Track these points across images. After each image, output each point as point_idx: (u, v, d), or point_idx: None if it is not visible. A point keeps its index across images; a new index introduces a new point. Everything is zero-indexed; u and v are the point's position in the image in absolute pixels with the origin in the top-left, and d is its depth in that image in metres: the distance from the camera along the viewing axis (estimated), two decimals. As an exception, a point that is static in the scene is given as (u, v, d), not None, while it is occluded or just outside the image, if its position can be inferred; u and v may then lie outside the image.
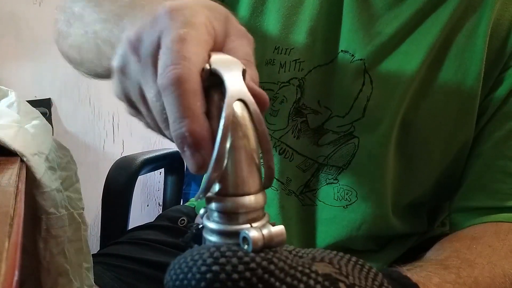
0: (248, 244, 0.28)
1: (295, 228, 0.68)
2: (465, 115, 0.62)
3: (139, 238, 0.79)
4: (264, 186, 0.31)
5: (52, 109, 1.54)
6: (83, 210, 0.60)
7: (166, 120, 0.32)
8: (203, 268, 0.27)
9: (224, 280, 0.27)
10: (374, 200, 0.65)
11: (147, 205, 1.71)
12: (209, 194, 0.30)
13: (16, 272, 0.27)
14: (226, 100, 0.29)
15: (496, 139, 0.61)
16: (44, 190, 0.50)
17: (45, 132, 0.58)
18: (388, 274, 0.40)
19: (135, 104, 0.36)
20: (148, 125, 0.37)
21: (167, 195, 1.12)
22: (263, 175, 0.31)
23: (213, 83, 0.31)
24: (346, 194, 0.65)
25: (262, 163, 0.31)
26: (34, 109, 0.63)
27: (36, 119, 0.59)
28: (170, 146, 1.10)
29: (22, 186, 0.41)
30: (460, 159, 0.64)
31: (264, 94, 0.32)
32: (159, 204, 1.71)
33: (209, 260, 0.28)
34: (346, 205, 0.66)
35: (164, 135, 0.34)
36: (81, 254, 0.58)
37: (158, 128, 0.34)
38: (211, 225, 0.30)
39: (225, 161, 0.29)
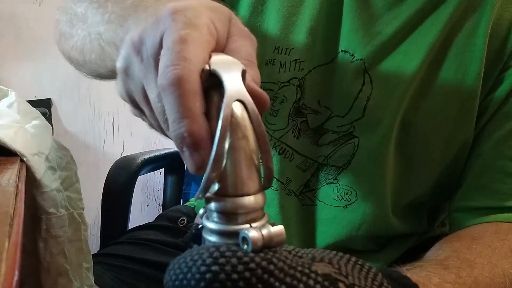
0: (247, 244, 0.28)
1: (295, 228, 0.68)
2: (465, 115, 0.62)
3: (139, 238, 0.79)
4: (263, 187, 0.31)
5: (52, 109, 1.54)
6: (83, 210, 0.60)
7: (167, 120, 0.32)
8: (203, 268, 0.27)
9: (224, 280, 0.27)
10: (374, 200, 0.65)
11: (147, 205, 1.71)
12: (209, 194, 0.30)
13: (16, 272, 0.27)
14: (225, 100, 0.29)
15: (496, 139, 0.61)
16: (44, 190, 0.50)
17: (45, 132, 0.58)
18: (388, 274, 0.40)
19: (139, 104, 0.36)
20: (151, 126, 0.37)
21: (167, 195, 1.12)
22: (262, 176, 0.31)
23: (213, 84, 0.31)
24: (346, 194, 0.65)
25: (261, 164, 0.31)
26: (34, 109, 0.63)
27: (36, 119, 0.59)
28: (170, 146, 1.10)
29: (22, 186, 0.41)
30: (460, 159, 0.64)
31: (264, 95, 0.32)
32: (159, 204, 1.71)
33: (208, 260, 0.28)
34: (346, 205, 0.66)
35: (166, 135, 0.34)
36: (81, 254, 0.58)
37: (160, 128, 0.35)
38: (211, 225, 0.30)
39: (224, 161, 0.29)
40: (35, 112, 0.62)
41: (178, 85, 0.30)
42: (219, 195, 0.30)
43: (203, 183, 0.30)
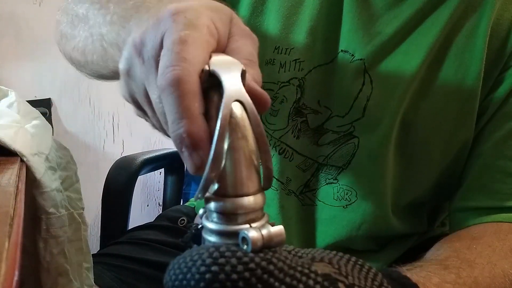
0: (247, 244, 0.28)
1: (295, 228, 0.68)
2: (465, 115, 0.62)
3: (139, 238, 0.79)
4: (263, 187, 0.31)
5: (52, 109, 1.54)
6: (83, 210, 0.60)
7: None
8: (202, 269, 0.27)
9: (223, 280, 0.27)
10: (374, 200, 0.65)
11: (147, 205, 1.71)
12: (208, 194, 0.30)
13: (16, 272, 0.27)
14: (224, 101, 0.29)
15: (496, 139, 0.61)
16: (44, 190, 0.50)
17: (45, 132, 0.58)
18: (388, 274, 0.40)
19: (141, 106, 0.36)
20: (154, 126, 0.37)
21: (167, 195, 1.12)
22: (262, 176, 0.31)
23: (212, 84, 0.31)
24: (346, 194, 0.65)
25: (260, 164, 0.31)
26: (34, 109, 0.63)
27: (36, 119, 0.59)
28: (170, 146, 1.10)
29: (22, 186, 0.41)
30: (460, 159, 0.64)
31: (265, 95, 0.32)
32: (159, 204, 1.71)
33: (208, 261, 0.28)
34: (346, 205, 0.66)
35: (169, 136, 0.35)
36: (81, 254, 0.58)
37: (163, 129, 0.35)
38: (210, 225, 0.30)
39: (223, 161, 0.29)
40: (35, 112, 0.62)
41: (176, 85, 0.30)
42: (219, 195, 0.30)
43: (202, 183, 0.30)
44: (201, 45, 0.32)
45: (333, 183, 0.66)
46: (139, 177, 1.00)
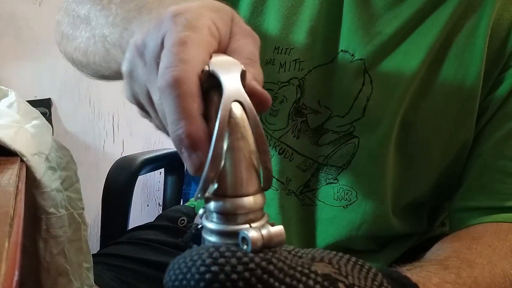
0: (247, 245, 0.28)
1: (295, 228, 0.68)
2: (465, 115, 0.62)
3: (139, 238, 0.79)
4: (263, 188, 0.31)
5: (52, 109, 1.54)
6: (83, 210, 0.60)
7: None
8: (202, 269, 0.27)
9: (223, 280, 0.27)
10: (374, 200, 0.65)
11: (147, 205, 1.71)
12: (208, 194, 0.31)
13: (16, 272, 0.27)
14: (223, 101, 0.29)
15: (496, 139, 0.61)
16: (44, 190, 0.50)
17: (45, 132, 0.58)
18: (388, 274, 0.40)
19: (145, 107, 0.36)
20: (158, 127, 0.37)
21: (167, 195, 1.12)
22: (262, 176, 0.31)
23: (213, 85, 0.31)
24: (346, 194, 0.65)
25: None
26: (34, 109, 0.63)
27: (36, 119, 0.59)
28: (170, 146, 1.10)
29: (22, 186, 0.41)
30: (460, 159, 0.64)
31: (266, 94, 0.32)
32: (159, 204, 1.71)
33: (208, 261, 0.28)
34: (346, 205, 0.66)
35: None
36: (81, 254, 0.58)
37: (166, 130, 0.35)
38: (210, 225, 0.30)
39: (222, 162, 0.29)
40: (35, 112, 0.62)
41: (175, 86, 0.30)
42: (219, 196, 0.30)
43: (201, 183, 0.30)
44: (201, 46, 0.32)
45: (333, 183, 0.66)
46: (139, 177, 1.00)
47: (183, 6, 0.34)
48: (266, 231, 0.29)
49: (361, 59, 0.61)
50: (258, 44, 0.36)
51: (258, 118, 0.30)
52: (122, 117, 1.62)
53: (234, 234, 0.29)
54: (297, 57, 0.62)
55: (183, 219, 0.82)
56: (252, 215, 0.30)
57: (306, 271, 0.29)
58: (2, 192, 0.38)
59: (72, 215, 0.57)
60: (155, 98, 0.33)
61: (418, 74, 0.60)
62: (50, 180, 0.51)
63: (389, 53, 0.61)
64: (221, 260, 0.27)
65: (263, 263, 0.28)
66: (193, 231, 0.33)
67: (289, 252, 0.31)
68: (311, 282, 0.28)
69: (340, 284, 0.30)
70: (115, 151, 1.63)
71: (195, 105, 0.30)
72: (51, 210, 0.51)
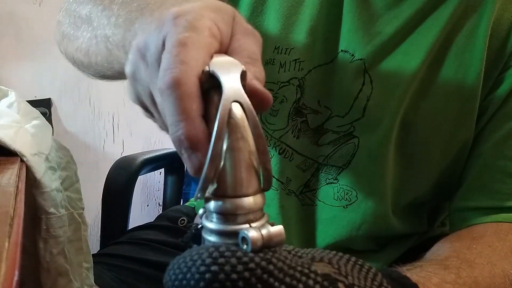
0: (247, 244, 0.28)
1: (295, 228, 0.68)
2: (465, 115, 0.62)
3: (139, 238, 0.79)
4: (263, 188, 0.31)
5: (52, 109, 1.54)
6: (83, 210, 0.60)
7: None
8: (202, 268, 0.27)
9: (223, 280, 0.27)
10: (374, 200, 0.65)
11: (147, 205, 1.71)
12: (208, 194, 0.31)
13: (16, 272, 0.27)
14: (222, 101, 0.29)
15: (496, 139, 0.61)
16: (44, 190, 0.50)
17: (45, 132, 0.58)
18: (388, 274, 0.40)
19: (148, 108, 0.37)
20: (161, 128, 0.37)
21: (167, 195, 1.12)
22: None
23: (213, 85, 0.31)
24: (346, 194, 0.65)
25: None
26: (34, 109, 0.63)
27: (36, 119, 0.59)
28: (170, 146, 1.10)
29: (22, 186, 0.41)
30: (460, 159, 0.64)
31: (267, 93, 0.32)
32: (159, 204, 1.71)
33: (208, 260, 0.28)
34: (346, 205, 0.66)
35: None
36: (81, 254, 0.58)
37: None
38: (210, 225, 0.30)
39: (222, 162, 0.29)
40: (35, 112, 0.62)
41: (174, 87, 0.30)
42: (218, 196, 0.30)
43: (201, 183, 0.30)
44: (201, 47, 0.32)
45: (333, 183, 0.66)
46: (139, 177, 1.00)
47: (184, 8, 0.34)
48: (266, 231, 0.29)
49: (361, 59, 0.61)
50: (260, 43, 0.36)
51: (257, 118, 0.30)
52: (122, 117, 1.62)
53: (234, 234, 0.29)
54: (297, 57, 0.62)
55: (183, 219, 0.82)
56: (252, 215, 0.30)
57: (306, 271, 0.29)
58: (2, 192, 0.38)
59: (72, 215, 0.57)
60: (158, 99, 0.34)
61: (418, 74, 0.60)
62: (50, 180, 0.51)
63: (389, 53, 0.61)
64: (221, 260, 0.27)
65: (263, 263, 0.28)
66: (193, 231, 0.33)
67: (289, 252, 0.31)
68: (311, 282, 0.28)
69: (340, 284, 0.30)
70: (115, 151, 1.63)
71: (195, 106, 0.30)
72: (51, 210, 0.51)
